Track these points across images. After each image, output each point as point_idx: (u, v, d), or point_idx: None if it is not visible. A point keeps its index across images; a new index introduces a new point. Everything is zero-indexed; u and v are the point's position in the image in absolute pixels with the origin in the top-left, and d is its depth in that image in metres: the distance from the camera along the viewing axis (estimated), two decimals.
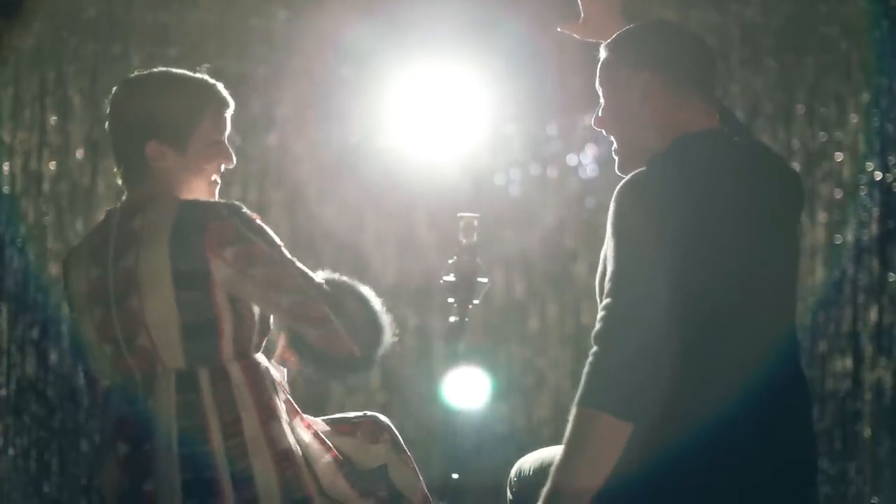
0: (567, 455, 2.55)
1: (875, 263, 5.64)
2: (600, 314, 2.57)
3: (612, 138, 2.84)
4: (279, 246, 2.79)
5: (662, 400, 2.57)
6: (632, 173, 2.66)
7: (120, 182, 2.93)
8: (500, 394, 6.08)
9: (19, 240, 5.47)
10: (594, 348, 2.55)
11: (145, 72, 2.95)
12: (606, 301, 2.56)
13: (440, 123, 6.09)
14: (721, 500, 2.61)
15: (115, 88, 2.93)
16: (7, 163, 5.57)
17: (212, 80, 2.92)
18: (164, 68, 2.96)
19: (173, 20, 5.93)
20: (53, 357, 5.57)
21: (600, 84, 2.83)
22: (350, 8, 5.95)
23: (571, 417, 2.56)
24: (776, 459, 2.63)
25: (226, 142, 2.92)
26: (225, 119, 2.91)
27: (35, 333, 5.54)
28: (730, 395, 2.60)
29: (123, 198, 2.91)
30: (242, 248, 2.74)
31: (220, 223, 2.74)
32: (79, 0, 5.77)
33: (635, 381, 2.52)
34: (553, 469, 2.57)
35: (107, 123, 2.94)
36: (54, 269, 5.62)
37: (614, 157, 2.84)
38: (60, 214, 5.71)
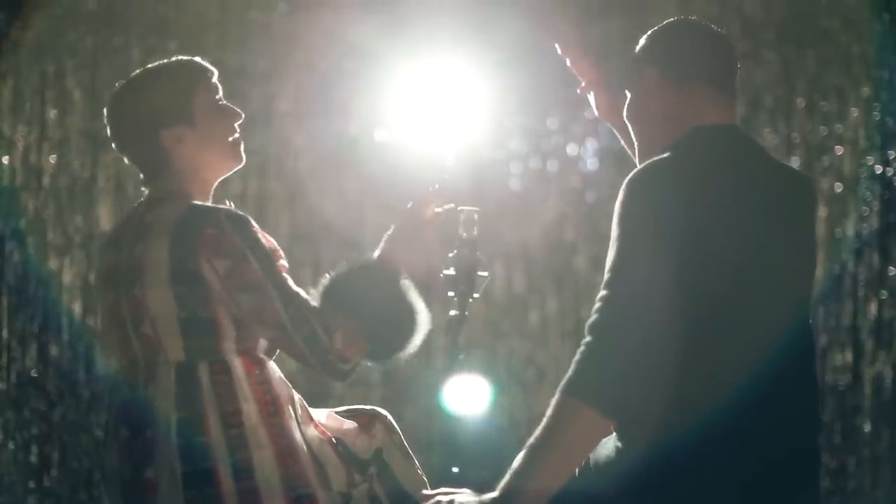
0: (542, 441, 2.55)
1: (875, 257, 5.64)
2: (597, 305, 2.57)
3: (635, 136, 2.89)
4: (274, 266, 2.81)
5: (663, 394, 2.58)
6: (643, 164, 2.68)
7: (143, 184, 2.99)
8: (500, 388, 6.08)
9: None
10: (588, 338, 2.55)
11: (123, 81, 3.03)
12: (604, 292, 2.57)
13: (441, 116, 6.08)
14: (725, 491, 2.61)
15: (105, 109, 3.01)
16: (7, 156, 5.57)
17: (186, 57, 3.02)
18: (140, 69, 3.04)
19: (173, 13, 5.93)
20: (54, 351, 5.57)
21: (626, 80, 2.90)
22: (350, 1, 5.95)
23: (554, 403, 2.55)
24: (780, 452, 2.63)
25: (226, 102, 3.00)
26: (215, 84, 2.99)
27: (35, 327, 5.54)
28: (734, 388, 2.60)
29: (146, 192, 2.97)
30: (236, 266, 2.77)
31: (217, 231, 2.78)
32: None
33: (624, 379, 2.52)
34: (526, 449, 2.56)
35: (112, 140, 3.02)
36: (54, 262, 5.63)
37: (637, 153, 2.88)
38: (60, 208, 5.71)
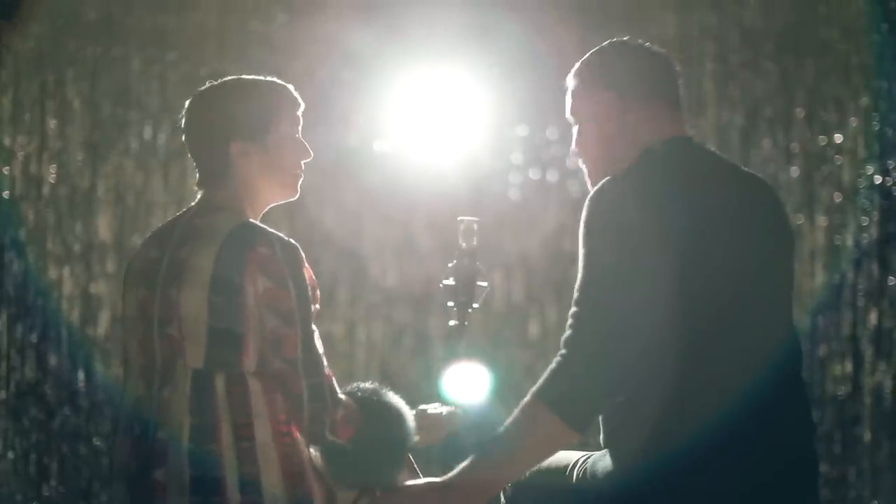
0: (504, 437, 2.65)
1: (875, 267, 5.64)
2: (568, 321, 2.65)
3: (587, 163, 2.92)
4: (308, 307, 2.85)
5: (654, 405, 2.61)
6: (600, 182, 2.72)
7: (197, 184, 3.01)
8: (499, 398, 6.07)
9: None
10: (562, 350, 2.63)
11: (217, 81, 3.07)
12: (574, 309, 2.64)
13: (440, 127, 6.09)
14: (725, 501, 2.62)
15: (189, 100, 3.04)
16: (7, 166, 5.57)
17: (282, 82, 3.07)
18: (235, 76, 3.08)
19: (173, 23, 5.93)
20: (53, 360, 5.57)
21: (573, 111, 2.94)
22: (349, 11, 5.96)
23: (522, 404, 2.66)
24: (777, 461, 2.64)
25: (301, 137, 3.03)
26: (298, 116, 3.04)
27: (34, 337, 5.54)
28: (723, 399, 2.62)
29: (199, 196, 3.00)
30: (274, 289, 2.81)
31: (269, 251, 2.81)
32: (78, 3, 5.77)
33: (591, 394, 2.61)
34: (488, 442, 2.66)
35: (184, 135, 3.04)
36: (54, 272, 5.63)
37: (587, 180, 2.91)
38: (60, 218, 5.71)
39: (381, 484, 2.91)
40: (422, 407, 3.18)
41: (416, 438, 2.98)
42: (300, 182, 3.03)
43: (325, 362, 2.86)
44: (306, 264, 2.87)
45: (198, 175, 3.01)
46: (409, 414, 2.99)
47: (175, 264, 2.86)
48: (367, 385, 2.97)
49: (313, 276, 2.89)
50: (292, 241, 2.87)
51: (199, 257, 2.83)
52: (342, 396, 2.88)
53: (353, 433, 2.87)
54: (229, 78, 3.06)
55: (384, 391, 2.98)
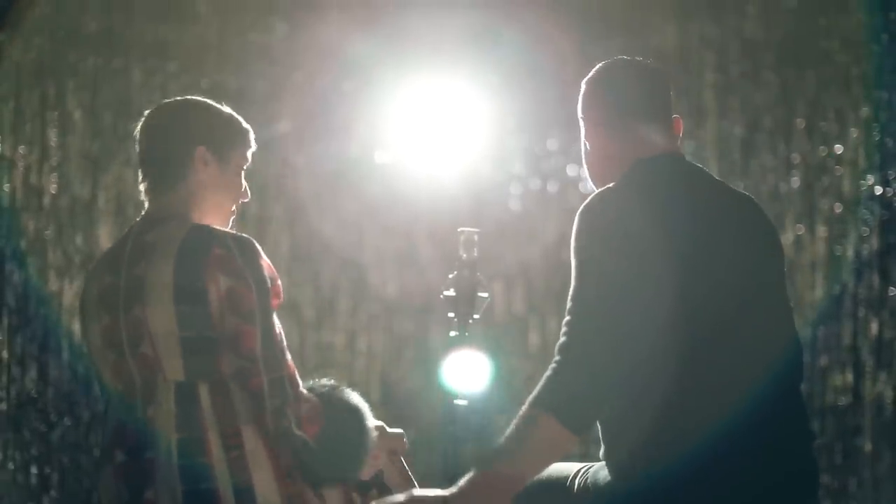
0: (506, 445, 2.65)
1: (875, 277, 5.65)
2: (563, 329, 2.67)
3: (590, 169, 2.97)
4: (268, 301, 2.83)
5: (656, 414, 2.62)
6: (589, 196, 2.76)
7: (143, 192, 2.99)
8: (500, 407, 6.07)
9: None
10: (557, 357, 2.64)
11: (189, 97, 3.07)
12: (567, 318, 2.67)
13: (440, 138, 6.10)
14: None
15: (156, 107, 3.04)
16: (8, 177, 5.57)
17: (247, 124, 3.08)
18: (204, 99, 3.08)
19: (173, 35, 5.94)
20: (53, 371, 5.57)
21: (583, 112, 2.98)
22: (350, 22, 5.97)
23: (521, 413, 2.66)
24: (777, 470, 2.64)
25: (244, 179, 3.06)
26: (249, 158, 3.05)
27: (35, 348, 5.54)
28: (722, 409, 2.63)
29: (143, 212, 2.98)
30: (236, 288, 2.79)
31: (224, 251, 2.80)
32: (79, 15, 5.78)
33: (589, 397, 2.61)
34: (491, 451, 2.67)
35: (144, 134, 3.00)
36: (54, 283, 5.63)
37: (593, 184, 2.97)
38: (61, 229, 5.71)
39: (346, 480, 2.91)
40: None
41: (374, 436, 2.97)
42: (231, 219, 3.04)
43: (288, 356, 2.84)
44: (264, 256, 2.86)
45: (146, 183, 2.98)
46: (367, 410, 2.97)
47: (134, 284, 2.84)
48: (324, 381, 2.96)
49: (272, 267, 2.88)
50: (245, 235, 2.86)
51: (156, 271, 2.81)
52: (304, 391, 2.87)
53: (318, 431, 2.86)
54: (199, 98, 3.06)
55: (342, 388, 2.97)
